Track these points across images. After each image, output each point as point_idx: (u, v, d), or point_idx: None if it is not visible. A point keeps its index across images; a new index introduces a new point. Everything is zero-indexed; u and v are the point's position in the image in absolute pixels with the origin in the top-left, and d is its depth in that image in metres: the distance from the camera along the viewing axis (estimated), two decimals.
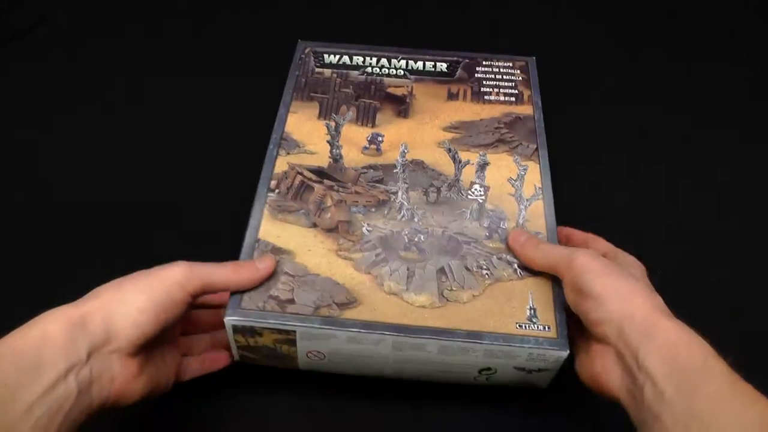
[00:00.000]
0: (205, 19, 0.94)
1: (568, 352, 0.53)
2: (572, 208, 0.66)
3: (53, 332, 0.45)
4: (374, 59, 0.73)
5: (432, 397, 0.60)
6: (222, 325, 0.53)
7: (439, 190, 0.62)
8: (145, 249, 0.62)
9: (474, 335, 0.52)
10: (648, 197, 0.76)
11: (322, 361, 0.56)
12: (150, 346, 0.50)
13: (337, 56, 0.73)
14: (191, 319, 0.57)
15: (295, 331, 0.53)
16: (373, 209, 0.60)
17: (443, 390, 0.60)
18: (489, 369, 0.55)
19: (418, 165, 0.64)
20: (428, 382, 0.58)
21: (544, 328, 0.53)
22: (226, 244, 0.59)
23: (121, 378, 0.48)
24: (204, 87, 0.84)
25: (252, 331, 0.53)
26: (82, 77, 0.84)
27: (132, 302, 0.48)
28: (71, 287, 0.49)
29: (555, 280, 0.56)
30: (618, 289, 0.49)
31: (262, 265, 0.54)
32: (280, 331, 0.53)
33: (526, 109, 0.70)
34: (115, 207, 0.72)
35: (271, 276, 0.55)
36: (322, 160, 0.64)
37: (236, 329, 0.53)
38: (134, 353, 0.49)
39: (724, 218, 0.75)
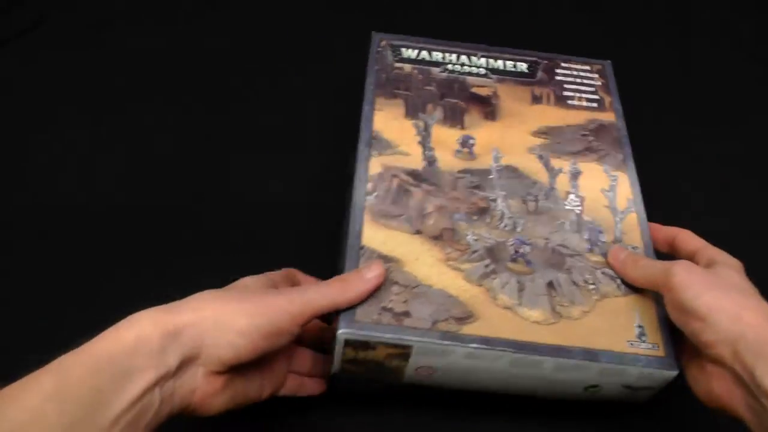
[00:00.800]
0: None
1: (678, 372, 0.53)
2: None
3: (148, 338, 0.43)
4: (454, 56, 0.72)
5: (530, 413, 0.60)
6: (323, 335, 0.52)
7: (537, 198, 0.61)
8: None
9: (590, 354, 0.53)
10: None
11: (431, 377, 0.55)
12: (244, 366, 0.48)
13: (416, 51, 0.72)
14: None
15: (411, 346, 0.52)
16: (475, 217, 0.59)
17: (539, 406, 0.60)
18: (596, 386, 0.55)
19: (512, 171, 0.64)
20: (524, 396, 0.59)
21: (653, 346, 0.54)
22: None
23: (204, 392, 0.47)
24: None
25: (365, 345, 0.52)
26: (82, 77, 0.83)
27: (233, 322, 0.46)
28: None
29: (657, 296, 0.56)
30: (724, 307, 0.48)
31: (372, 274, 0.53)
32: (396, 346, 0.52)
33: (609, 116, 0.70)
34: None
35: (381, 286, 0.53)
36: (416, 162, 0.63)
37: (348, 343, 0.51)
38: (223, 372, 0.47)
39: None
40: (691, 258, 0.54)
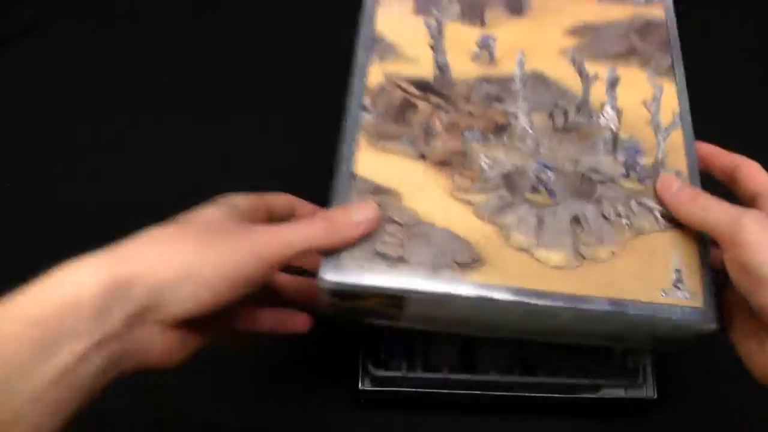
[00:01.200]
0: None
1: (717, 326, 0.46)
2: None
3: (86, 296, 0.36)
4: None
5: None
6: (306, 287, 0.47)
7: (566, 112, 0.52)
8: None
9: (617, 305, 0.45)
10: None
11: (429, 322, 0.49)
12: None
13: None
14: None
15: (406, 297, 0.44)
16: (491, 136, 0.50)
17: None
18: (621, 337, 0.47)
19: (540, 79, 0.54)
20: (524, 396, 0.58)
21: (690, 296, 0.46)
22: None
23: (158, 350, 0.41)
24: None
25: (352, 296, 0.45)
26: (83, 77, 0.81)
27: (195, 272, 0.39)
28: None
29: (700, 237, 0.48)
30: None
31: (362, 216, 0.45)
32: (388, 296, 0.44)
33: (658, 12, 0.59)
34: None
35: (376, 227, 0.46)
36: (425, 69, 0.54)
37: (333, 293, 0.44)
38: (182, 325, 0.41)
39: None
40: (755, 199, 0.45)
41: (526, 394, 0.58)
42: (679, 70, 0.56)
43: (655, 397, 0.58)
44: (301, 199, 0.52)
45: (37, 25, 0.84)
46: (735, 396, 0.62)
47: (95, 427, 0.44)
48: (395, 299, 0.45)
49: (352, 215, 0.45)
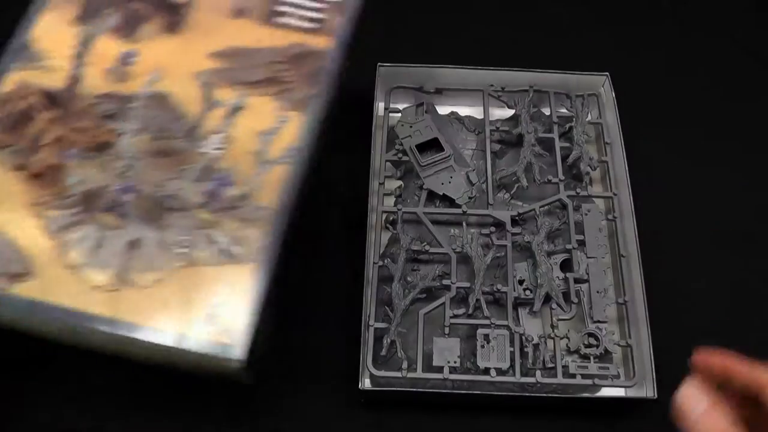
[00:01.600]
0: None
1: (242, 361, 0.48)
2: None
3: None
4: None
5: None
6: None
7: (171, 135, 0.55)
8: None
9: (135, 329, 0.48)
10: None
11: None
12: None
13: None
14: None
15: None
16: (92, 153, 0.54)
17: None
18: (166, 362, 0.51)
19: (161, 101, 0.57)
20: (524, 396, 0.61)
21: (224, 330, 0.49)
22: None
23: None
24: None
25: None
26: None
27: None
28: None
29: (259, 274, 0.51)
30: None
31: None
32: None
33: (322, 42, 0.60)
34: None
35: None
36: (59, 80, 0.57)
37: None
38: None
39: None
40: None
41: (526, 394, 0.60)
42: (315, 103, 0.57)
43: (655, 397, 0.58)
44: None
45: None
46: None
47: None
48: None
49: None
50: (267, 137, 0.55)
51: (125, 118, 0.55)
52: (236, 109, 0.56)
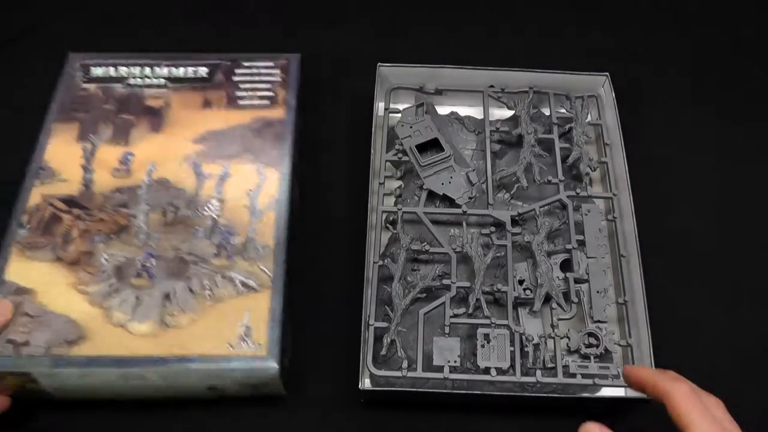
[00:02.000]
0: None
1: (277, 366, 0.59)
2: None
3: None
4: (138, 69, 0.76)
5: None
6: None
7: (177, 209, 0.67)
8: None
9: (184, 360, 0.59)
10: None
11: (72, 393, 0.62)
12: None
13: (103, 68, 0.76)
14: None
15: (30, 372, 0.59)
16: (113, 236, 0.66)
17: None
18: (214, 386, 0.62)
19: (163, 184, 0.69)
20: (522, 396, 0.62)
21: (256, 346, 0.60)
22: None
23: None
24: None
25: None
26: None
27: None
28: None
29: (274, 295, 0.63)
30: None
31: None
32: (16, 374, 0.59)
33: (278, 113, 0.73)
34: None
35: (12, 319, 0.61)
36: (74, 187, 0.69)
37: None
38: None
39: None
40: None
41: (527, 394, 0.60)
42: (286, 159, 0.70)
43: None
44: None
45: (37, 26, 0.88)
46: (735, 396, 0.61)
47: None
48: (25, 375, 0.60)
49: None
50: (254, 193, 0.68)
51: (136, 203, 0.67)
52: (224, 177, 0.69)
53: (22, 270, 0.64)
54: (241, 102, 0.74)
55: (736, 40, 0.89)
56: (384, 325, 0.62)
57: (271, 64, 0.76)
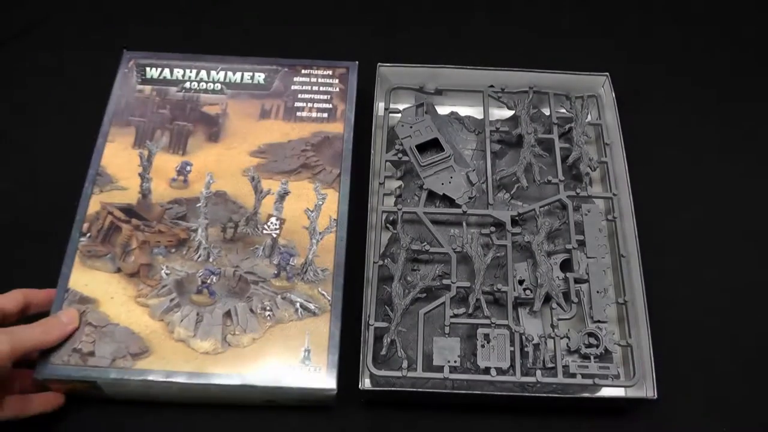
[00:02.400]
0: None
1: (335, 389, 0.61)
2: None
3: None
4: (194, 72, 0.75)
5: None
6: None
7: (236, 225, 0.67)
8: None
9: (247, 379, 0.60)
10: None
11: (129, 395, 0.64)
12: None
13: (159, 69, 0.76)
14: None
15: (95, 381, 0.60)
16: (173, 249, 0.66)
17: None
18: (271, 400, 0.63)
19: (221, 197, 0.69)
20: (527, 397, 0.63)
21: (316, 368, 0.61)
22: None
23: None
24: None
25: (60, 382, 0.61)
26: (82, 77, 0.86)
27: None
28: None
29: (333, 321, 0.63)
30: None
31: (66, 319, 0.61)
32: (83, 381, 0.61)
33: (336, 127, 0.73)
34: None
35: (78, 327, 0.62)
36: (132, 195, 0.69)
37: (47, 382, 0.61)
38: None
39: None
40: None
41: (526, 394, 0.60)
42: (345, 179, 0.70)
43: (655, 397, 0.59)
44: (32, 289, 0.63)
45: (37, 25, 0.87)
46: (735, 396, 0.64)
47: None
48: (89, 383, 0.61)
49: (60, 318, 0.61)
50: (313, 214, 0.68)
51: (194, 216, 0.68)
52: (283, 195, 0.69)
53: (85, 279, 0.65)
54: (299, 114, 0.74)
55: (736, 40, 0.89)
56: (384, 325, 0.63)
57: (329, 72, 0.76)
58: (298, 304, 0.64)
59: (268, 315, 0.63)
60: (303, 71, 0.75)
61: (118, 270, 0.65)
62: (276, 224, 0.67)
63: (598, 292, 0.64)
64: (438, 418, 0.63)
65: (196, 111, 0.74)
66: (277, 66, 0.76)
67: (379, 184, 0.69)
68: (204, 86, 0.75)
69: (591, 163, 0.70)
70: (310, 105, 0.74)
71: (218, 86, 0.75)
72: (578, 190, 0.69)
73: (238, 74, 0.75)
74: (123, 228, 0.67)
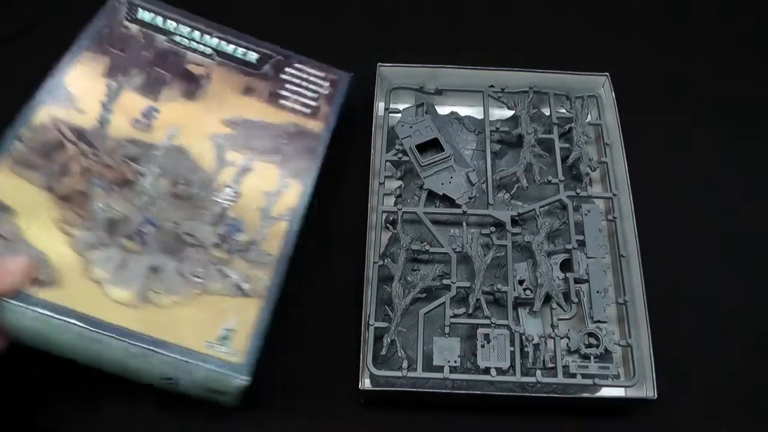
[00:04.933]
0: None
1: (248, 380, 0.55)
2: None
3: None
4: (186, 29, 0.72)
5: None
6: None
7: (189, 183, 0.62)
8: None
9: (156, 344, 0.54)
10: None
11: (25, 338, 0.56)
12: None
13: (152, 14, 0.72)
14: None
15: None
16: (116, 187, 0.60)
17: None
18: (170, 378, 0.56)
19: (181, 153, 0.64)
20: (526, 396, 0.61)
21: (233, 352, 0.55)
22: None
23: None
24: None
25: None
26: None
27: None
28: None
29: (266, 305, 0.59)
30: None
31: (14, 267, 0.54)
32: None
33: (316, 125, 0.70)
34: None
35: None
36: (88, 120, 0.64)
37: None
38: None
39: None
40: None
41: (527, 394, 0.59)
42: (311, 175, 0.67)
43: (655, 397, 0.58)
44: None
45: (37, 25, 0.84)
46: (735, 396, 0.63)
47: None
48: None
49: (6, 266, 0.54)
50: (271, 197, 0.65)
51: (148, 162, 0.63)
52: (245, 170, 0.65)
53: (9, 186, 0.58)
54: (282, 102, 0.71)
55: (736, 39, 0.89)
56: (384, 325, 0.61)
57: (322, 74, 0.73)
58: (233, 280, 0.58)
59: (198, 282, 0.58)
60: (296, 64, 0.72)
61: (50, 188, 0.59)
62: (231, 195, 0.63)
63: (598, 292, 0.64)
64: (438, 418, 0.62)
65: (180, 66, 0.70)
66: (272, 52, 0.73)
67: (379, 184, 0.68)
68: (194, 46, 0.71)
69: (591, 164, 0.70)
70: (295, 97, 0.72)
71: (208, 50, 0.72)
72: (578, 190, 0.69)
73: (232, 47, 0.73)
74: (68, 148, 0.61)
